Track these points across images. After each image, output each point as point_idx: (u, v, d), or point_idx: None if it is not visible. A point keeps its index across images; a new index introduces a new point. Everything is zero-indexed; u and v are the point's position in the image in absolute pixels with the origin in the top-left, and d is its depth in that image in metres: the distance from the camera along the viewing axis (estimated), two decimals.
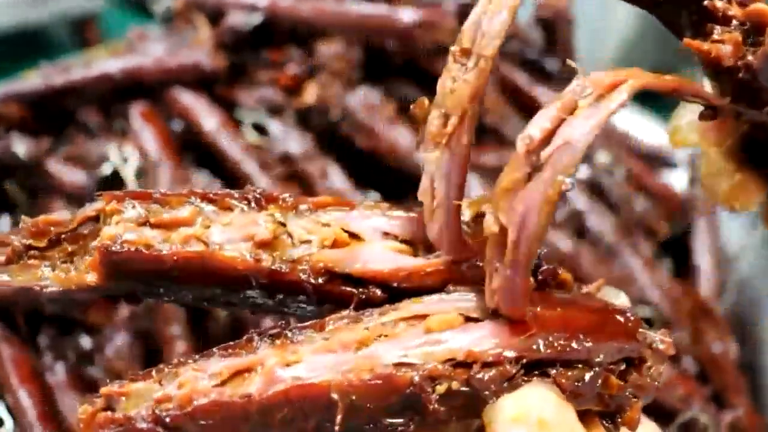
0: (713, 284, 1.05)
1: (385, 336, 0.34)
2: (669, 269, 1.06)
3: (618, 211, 1.03)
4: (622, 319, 0.36)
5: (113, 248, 0.34)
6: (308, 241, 0.36)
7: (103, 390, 0.32)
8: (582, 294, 0.38)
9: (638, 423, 0.35)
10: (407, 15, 0.92)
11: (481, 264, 0.35)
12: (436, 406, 0.33)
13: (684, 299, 0.97)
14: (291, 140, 0.89)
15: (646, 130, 1.26)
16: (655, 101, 1.53)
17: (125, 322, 0.88)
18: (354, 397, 0.32)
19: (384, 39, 0.93)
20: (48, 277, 0.35)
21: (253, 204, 0.36)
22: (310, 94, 0.89)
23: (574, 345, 0.34)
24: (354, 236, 0.36)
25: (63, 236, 0.35)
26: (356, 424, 0.33)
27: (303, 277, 0.35)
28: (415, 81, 0.97)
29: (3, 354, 0.89)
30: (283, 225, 0.36)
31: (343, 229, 0.36)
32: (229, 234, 0.35)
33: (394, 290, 0.35)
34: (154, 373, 0.33)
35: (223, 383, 0.32)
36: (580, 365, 0.34)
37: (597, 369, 0.34)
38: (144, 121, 0.96)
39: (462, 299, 0.35)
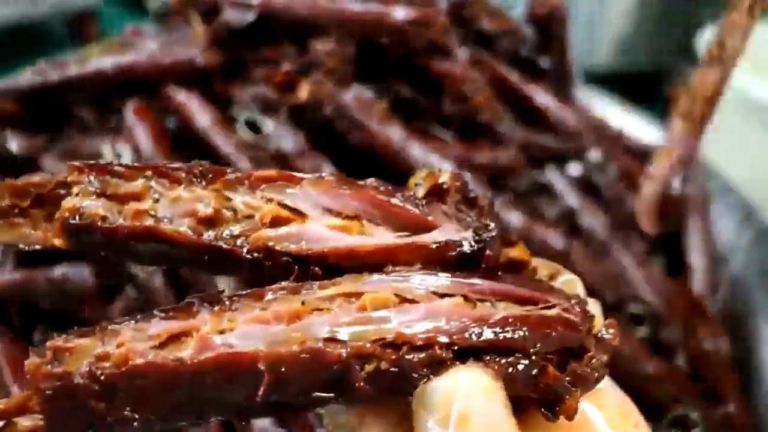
0: (706, 282, 1.05)
1: (320, 310, 0.34)
2: (661, 267, 1.07)
3: (611, 208, 1.03)
4: (565, 308, 0.36)
5: (71, 220, 0.36)
6: (250, 216, 0.37)
7: (49, 344, 0.33)
8: (531, 279, 0.38)
9: (575, 412, 0.35)
10: (400, 13, 0.92)
11: (425, 243, 0.36)
12: (362, 384, 0.34)
13: (676, 296, 0.97)
14: (284, 137, 0.89)
15: (639, 127, 1.26)
16: (648, 99, 1.54)
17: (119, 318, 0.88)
18: (282, 369, 0.33)
19: (377, 36, 0.93)
20: (30, 235, 0.37)
21: (200, 179, 0.37)
22: (304, 91, 0.89)
23: (509, 333, 0.34)
24: (296, 212, 0.37)
25: (42, 197, 0.38)
26: (285, 395, 0.34)
27: (242, 253, 0.36)
28: (408, 78, 0.97)
29: None
30: (228, 200, 0.37)
31: (284, 205, 0.37)
32: (175, 209, 0.37)
33: (333, 268, 0.36)
34: (97, 330, 0.34)
35: (160, 345, 0.33)
36: (515, 353, 0.34)
37: (533, 358, 0.34)
38: (138, 118, 0.96)
39: (400, 279, 0.35)
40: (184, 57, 0.96)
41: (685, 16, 2.10)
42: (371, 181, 0.39)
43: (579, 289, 0.39)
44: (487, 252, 0.36)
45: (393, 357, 0.33)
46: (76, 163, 0.37)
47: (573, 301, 0.36)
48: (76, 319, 0.94)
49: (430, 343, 0.33)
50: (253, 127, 0.92)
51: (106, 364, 0.32)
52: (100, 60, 1.00)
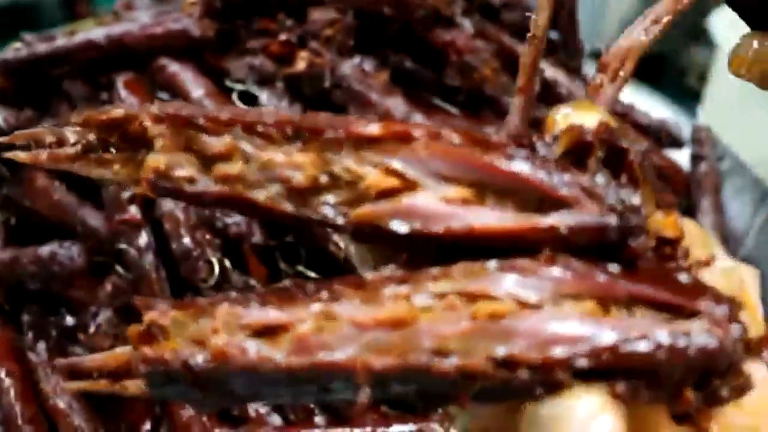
0: None
1: (428, 311, 0.30)
2: None
3: None
4: (716, 319, 0.29)
5: (158, 183, 0.33)
6: (353, 183, 0.32)
7: (146, 317, 0.31)
8: (677, 269, 0.31)
9: (709, 429, 0.30)
10: None
11: (555, 226, 0.30)
12: (467, 400, 0.30)
13: None
14: (281, 109, 0.85)
15: (648, 105, 1.23)
16: (655, 81, 1.50)
17: (108, 299, 0.85)
18: (382, 381, 0.29)
19: (377, 6, 0.90)
20: (119, 173, 0.34)
21: (294, 138, 0.32)
22: (302, 62, 0.86)
23: (644, 357, 0.28)
24: (406, 180, 0.31)
25: (128, 133, 0.34)
26: (386, 398, 0.31)
27: (341, 223, 0.32)
28: (409, 48, 0.94)
29: None
30: (328, 163, 0.32)
31: (392, 171, 0.31)
32: (267, 174, 0.32)
33: (449, 248, 0.31)
34: (192, 305, 0.32)
35: (255, 335, 0.31)
36: (647, 378, 0.29)
37: (668, 386, 0.29)
38: (129, 92, 0.92)
39: (522, 279, 0.30)
40: (177, 27, 0.92)
41: None
42: (500, 138, 0.32)
43: (738, 280, 0.33)
44: (632, 245, 0.30)
45: (505, 377, 0.29)
46: (155, 111, 0.33)
47: (725, 309, 0.29)
48: (64, 301, 0.91)
49: (550, 364, 0.28)
50: (249, 98, 0.89)
51: (201, 357, 0.30)
52: (90, 32, 0.97)
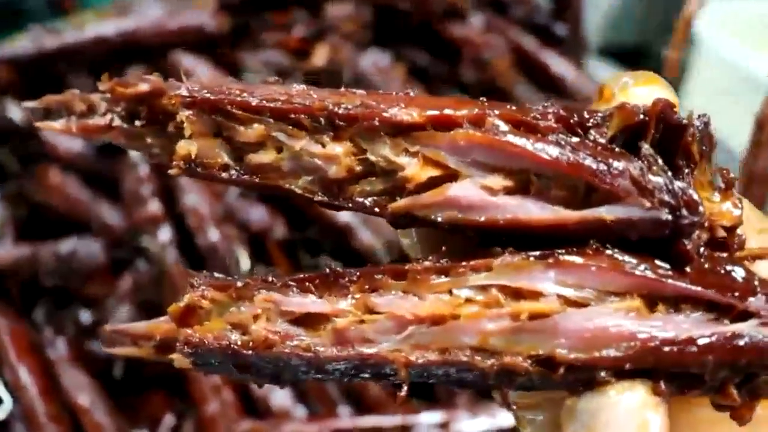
0: None
1: (470, 305, 0.29)
2: None
3: None
4: (766, 321, 0.28)
5: (192, 169, 0.32)
6: (390, 172, 0.30)
7: (187, 297, 0.31)
8: (729, 262, 0.29)
9: (749, 420, 0.29)
10: None
11: (601, 218, 0.29)
12: (512, 396, 0.31)
13: None
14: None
15: None
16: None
17: (129, 294, 0.85)
18: (423, 374, 0.30)
19: (395, 0, 0.90)
20: (152, 145, 0.32)
21: (327, 126, 0.31)
22: (320, 57, 0.86)
23: (690, 358, 0.28)
24: (446, 168, 0.30)
25: (155, 107, 0.32)
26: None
27: (383, 215, 0.31)
28: (426, 43, 0.95)
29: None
30: (363, 151, 0.31)
31: (431, 160, 0.30)
32: (300, 163, 0.31)
33: (491, 237, 0.30)
34: (231, 286, 0.31)
35: (295, 323, 0.30)
36: (690, 378, 0.28)
37: (713, 384, 0.28)
38: None
39: (567, 274, 0.29)
40: (192, 22, 0.92)
41: None
42: (548, 122, 0.29)
43: None
44: (684, 243, 0.28)
45: (547, 375, 0.29)
46: (184, 93, 0.31)
47: None
48: (79, 296, 0.90)
49: (591, 365, 0.28)
50: None
51: (242, 343, 0.30)
52: (100, 26, 0.96)
